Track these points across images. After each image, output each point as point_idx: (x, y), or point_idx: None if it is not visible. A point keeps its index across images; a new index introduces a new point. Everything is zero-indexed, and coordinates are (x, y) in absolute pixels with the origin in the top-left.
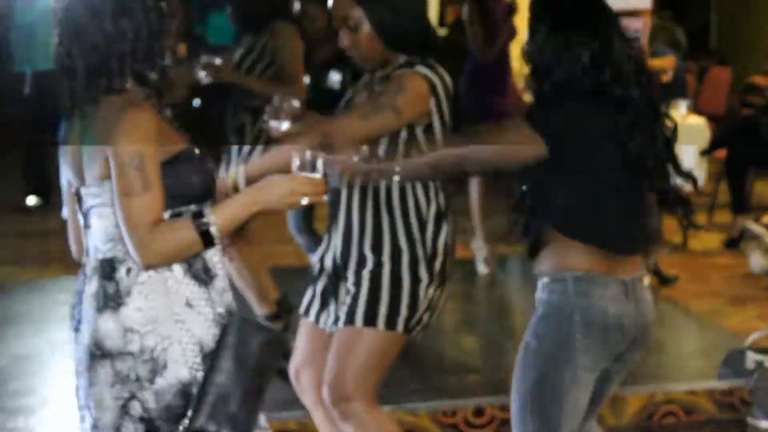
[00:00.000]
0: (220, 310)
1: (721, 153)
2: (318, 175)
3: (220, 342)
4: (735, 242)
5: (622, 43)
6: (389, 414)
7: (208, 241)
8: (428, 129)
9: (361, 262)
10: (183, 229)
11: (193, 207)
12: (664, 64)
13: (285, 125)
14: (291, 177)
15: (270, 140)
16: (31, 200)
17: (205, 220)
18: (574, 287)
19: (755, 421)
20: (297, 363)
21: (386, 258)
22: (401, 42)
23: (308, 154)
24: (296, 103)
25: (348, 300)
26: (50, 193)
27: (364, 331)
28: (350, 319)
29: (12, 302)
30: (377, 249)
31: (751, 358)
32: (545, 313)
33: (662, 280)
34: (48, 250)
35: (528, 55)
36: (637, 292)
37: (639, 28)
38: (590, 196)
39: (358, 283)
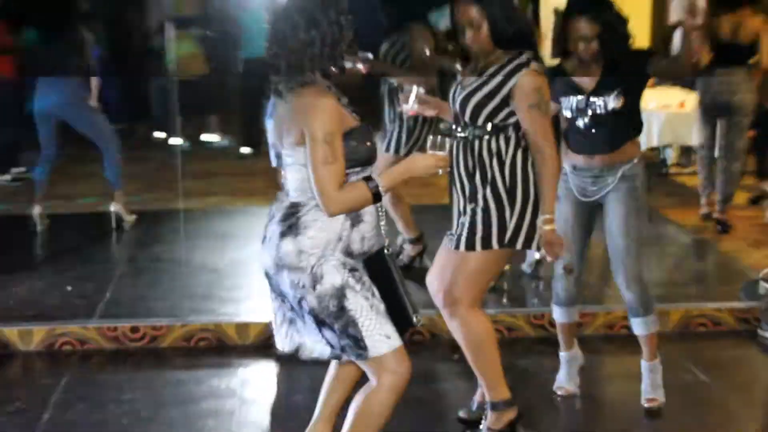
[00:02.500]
0: (356, 245)
1: (751, 133)
2: (445, 154)
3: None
4: (757, 200)
5: None
6: (491, 316)
7: (376, 198)
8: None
9: (468, 203)
10: (360, 189)
11: (358, 170)
12: None
13: (414, 108)
14: (430, 155)
15: (424, 120)
16: (245, 150)
17: (375, 183)
18: (643, 162)
19: (764, 332)
20: (431, 274)
21: (486, 197)
22: (508, 41)
23: (438, 139)
24: (422, 90)
25: (459, 230)
26: (259, 144)
27: (467, 254)
28: (457, 245)
29: (229, 222)
30: (480, 191)
31: (763, 286)
32: (644, 178)
33: (724, 227)
34: (254, 187)
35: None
36: None
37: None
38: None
39: (464, 219)
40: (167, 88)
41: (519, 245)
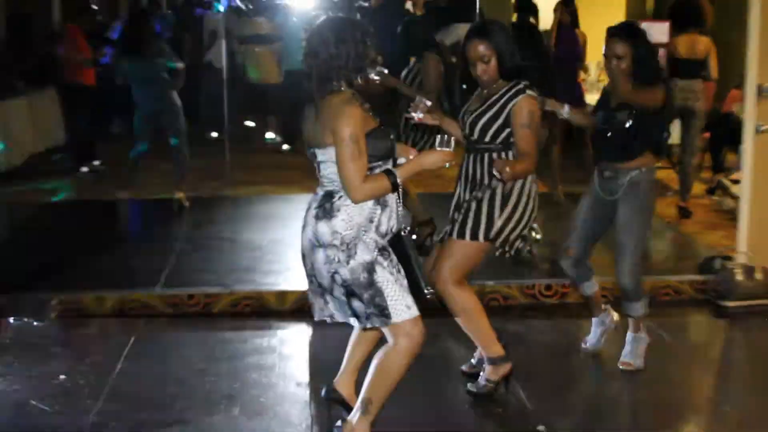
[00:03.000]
0: (383, 226)
1: (706, 134)
2: (451, 149)
3: (401, 249)
4: (713, 190)
5: None
6: (490, 287)
7: (394, 187)
8: None
9: (469, 197)
10: (381, 180)
11: (380, 163)
12: None
13: (420, 116)
14: (438, 151)
15: (425, 129)
16: (285, 146)
17: (393, 175)
18: (654, 172)
19: (720, 301)
20: (429, 264)
21: (484, 196)
22: (511, 72)
23: (445, 137)
24: (429, 103)
25: (455, 222)
26: (295, 141)
27: (457, 242)
28: (451, 233)
29: (270, 207)
30: (482, 191)
31: (718, 262)
32: (650, 183)
33: (686, 213)
34: (292, 177)
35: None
36: None
37: (661, 55)
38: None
39: (460, 213)
40: (220, 94)
41: (498, 243)
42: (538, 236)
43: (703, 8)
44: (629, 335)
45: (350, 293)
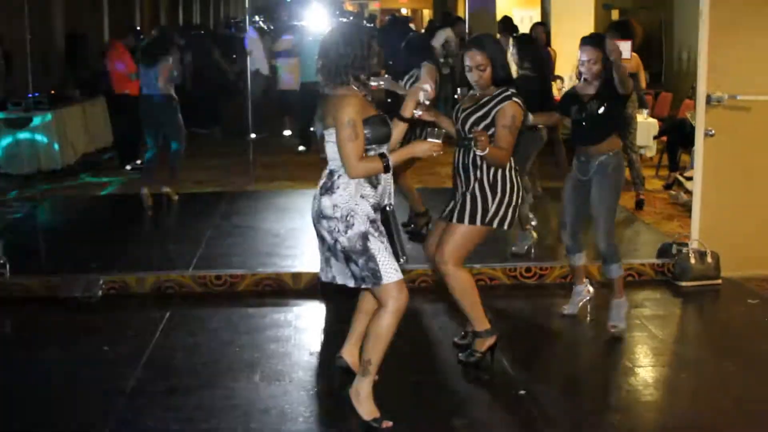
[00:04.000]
0: (377, 201)
1: (664, 138)
2: (439, 141)
3: (385, 222)
4: (669, 186)
5: None
6: (477, 269)
7: (387, 168)
8: None
9: (464, 189)
10: (375, 161)
11: (375, 147)
12: None
13: (419, 113)
14: (429, 141)
15: (424, 124)
16: (300, 147)
17: (387, 158)
18: (620, 156)
19: (676, 281)
20: (427, 242)
21: (475, 188)
22: (502, 80)
23: (435, 130)
24: (428, 103)
25: (454, 207)
26: (310, 143)
27: (458, 225)
28: (451, 218)
29: (287, 200)
30: (472, 183)
31: (675, 248)
32: (617, 165)
33: (640, 205)
34: (306, 174)
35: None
36: None
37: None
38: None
39: (458, 201)
40: (242, 101)
41: (495, 225)
42: (535, 234)
43: (635, 29)
44: (613, 302)
45: (348, 258)
